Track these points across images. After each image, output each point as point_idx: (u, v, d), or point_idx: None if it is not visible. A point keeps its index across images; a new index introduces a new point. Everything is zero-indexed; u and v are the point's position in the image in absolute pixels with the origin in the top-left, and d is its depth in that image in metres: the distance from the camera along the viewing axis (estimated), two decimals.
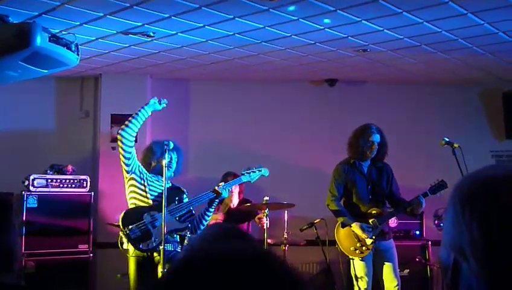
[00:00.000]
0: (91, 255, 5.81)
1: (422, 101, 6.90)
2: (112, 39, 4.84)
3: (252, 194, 5.75)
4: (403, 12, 4.05)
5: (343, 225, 4.79)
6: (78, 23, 4.30)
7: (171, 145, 4.14)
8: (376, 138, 4.78)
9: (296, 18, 4.20)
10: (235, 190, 5.68)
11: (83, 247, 5.77)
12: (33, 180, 5.71)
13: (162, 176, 4.21)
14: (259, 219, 5.34)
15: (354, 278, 4.75)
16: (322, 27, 4.44)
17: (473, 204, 0.91)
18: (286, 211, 5.46)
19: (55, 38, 3.97)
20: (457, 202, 0.95)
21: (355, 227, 4.69)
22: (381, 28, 4.48)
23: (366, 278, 4.70)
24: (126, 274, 5.21)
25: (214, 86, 6.78)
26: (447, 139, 4.56)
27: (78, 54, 4.27)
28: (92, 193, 5.91)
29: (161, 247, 4.02)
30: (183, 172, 4.80)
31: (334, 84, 6.73)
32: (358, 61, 5.69)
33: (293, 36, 4.72)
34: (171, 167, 4.36)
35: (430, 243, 6.04)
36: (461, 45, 4.97)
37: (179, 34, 4.65)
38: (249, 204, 5.33)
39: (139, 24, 4.38)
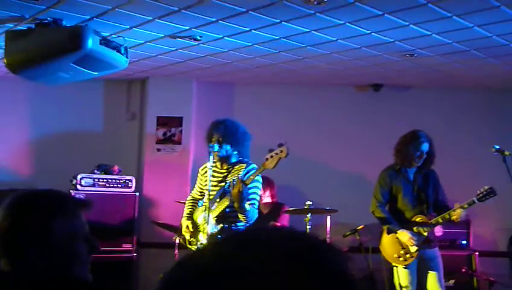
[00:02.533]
0: (135, 254, 5.92)
1: (471, 107, 6.74)
2: (159, 42, 4.91)
3: (294, 199, 5.74)
4: (452, 16, 3.97)
5: (389, 231, 4.73)
6: (128, 26, 4.40)
7: (215, 147, 4.14)
8: (425, 147, 4.70)
9: (342, 22, 4.19)
10: (265, 194, 5.62)
11: (127, 246, 5.87)
12: (81, 179, 5.88)
13: (222, 163, 4.21)
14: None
15: (397, 287, 4.68)
16: (368, 31, 4.41)
17: None
18: (329, 217, 5.43)
19: (105, 41, 4.08)
20: None
21: (402, 234, 4.63)
22: (430, 33, 4.41)
23: (410, 287, 4.62)
24: None
25: (259, 89, 6.81)
26: (498, 147, 4.45)
27: (127, 57, 4.37)
28: (137, 193, 6.03)
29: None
30: None
31: (380, 89, 6.66)
32: (405, 66, 5.61)
33: (339, 40, 4.70)
34: (221, 150, 4.13)
35: (477, 253, 5.88)
36: None
37: (225, 38, 4.69)
38: (291, 209, 5.31)
39: (187, 28, 4.44)
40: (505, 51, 4.87)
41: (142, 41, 4.89)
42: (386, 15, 3.98)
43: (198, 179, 4.46)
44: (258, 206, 5.56)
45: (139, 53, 5.28)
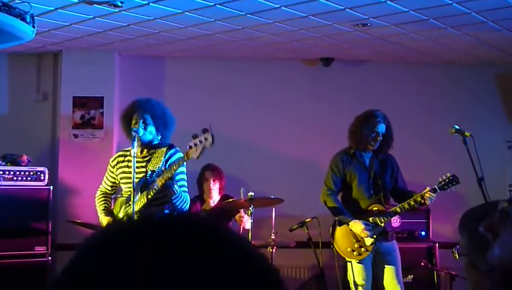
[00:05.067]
0: (49, 258, 5.79)
1: (430, 84, 6.92)
2: (73, 9, 4.79)
3: (234, 188, 5.74)
4: None
5: (341, 223, 4.81)
6: None
7: (141, 131, 4.07)
8: (381, 128, 4.78)
9: None
10: (215, 186, 5.67)
11: (40, 249, 5.73)
12: None
13: (143, 148, 4.15)
14: (240, 217, 5.34)
15: (351, 284, 4.78)
16: None
17: None
18: (273, 208, 5.46)
19: (6, 8, 3.91)
20: None
21: (354, 224, 4.71)
22: None
23: (364, 284, 4.73)
24: None
25: (193, 64, 6.75)
26: (457, 127, 4.58)
27: (34, 26, 4.22)
28: (51, 187, 5.88)
29: None
30: None
31: (330, 63, 6.73)
32: (358, 38, 5.69)
33: (282, 8, 4.70)
34: (146, 132, 4.12)
35: (437, 245, 6.08)
36: (475, 20, 4.98)
37: (150, 4, 4.62)
38: (230, 200, 5.33)
39: None
40: (466, 21, 5.01)
41: (53, 8, 4.76)
42: None
43: (108, 171, 4.39)
44: (203, 198, 5.58)
45: (49, 22, 5.13)
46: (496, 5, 4.58)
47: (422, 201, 4.62)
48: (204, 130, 3.79)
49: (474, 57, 6.47)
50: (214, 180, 5.68)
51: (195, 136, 3.80)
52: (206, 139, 3.76)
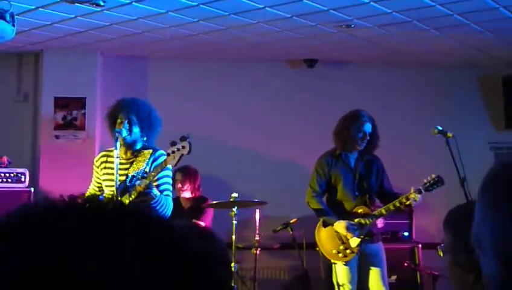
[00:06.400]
0: None
1: (413, 85, 6.96)
2: (55, 8, 4.75)
3: (217, 191, 5.71)
4: None
5: (325, 224, 4.80)
6: None
7: (124, 132, 4.02)
8: (368, 127, 4.77)
9: None
10: (183, 187, 5.64)
11: None
12: None
13: (126, 150, 4.10)
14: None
15: (335, 286, 4.77)
16: None
17: None
18: (257, 210, 5.45)
19: None
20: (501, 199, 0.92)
21: (338, 225, 4.70)
22: (367, 0, 4.49)
23: (349, 286, 4.72)
24: None
25: (176, 65, 6.72)
26: (440, 128, 4.60)
27: (14, 25, 4.18)
28: (32, 189, 5.82)
29: None
30: None
31: (314, 64, 6.73)
32: (341, 39, 5.70)
33: (266, 8, 4.70)
34: (130, 133, 4.04)
35: (420, 245, 6.11)
36: (457, 22, 5.02)
37: (133, 3, 4.60)
38: (215, 202, 5.30)
39: None
40: (449, 22, 5.05)
41: (33, 7, 4.72)
42: None
43: (94, 172, 4.33)
44: (179, 201, 5.55)
45: (29, 21, 5.08)
46: (478, 7, 4.62)
47: (408, 202, 4.64)
48: (182, 138, 3.77)
49: (456, 59, 6.52)
50: (182, 183, 5.65)
51: (173, 144, 3.77)
52: (183, 147, 3.74)
